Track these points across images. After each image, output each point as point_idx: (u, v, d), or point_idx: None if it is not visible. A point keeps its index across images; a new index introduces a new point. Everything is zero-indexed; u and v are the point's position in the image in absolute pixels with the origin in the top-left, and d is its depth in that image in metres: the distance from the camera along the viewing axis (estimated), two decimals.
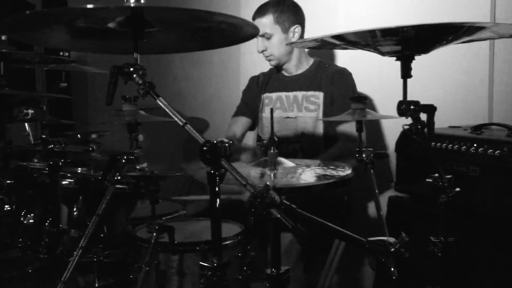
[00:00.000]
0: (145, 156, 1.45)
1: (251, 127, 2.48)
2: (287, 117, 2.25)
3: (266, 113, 2.35)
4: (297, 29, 2.24)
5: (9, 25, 1.14)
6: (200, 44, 1.45)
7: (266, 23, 2.19)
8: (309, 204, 1.03)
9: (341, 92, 2.17)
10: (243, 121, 2.43)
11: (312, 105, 2.22)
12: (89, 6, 0.99)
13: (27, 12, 1.04)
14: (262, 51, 2.24)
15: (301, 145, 2.23)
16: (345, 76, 2.23)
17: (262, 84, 2.41)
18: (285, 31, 2.22)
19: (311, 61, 2.32)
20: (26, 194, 1.75)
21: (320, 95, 2.21)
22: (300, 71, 2.31)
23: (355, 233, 1.06)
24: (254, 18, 2.23)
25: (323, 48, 2.14)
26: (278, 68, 2.33)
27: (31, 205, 1.72)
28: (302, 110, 2.24)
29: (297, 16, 2.25)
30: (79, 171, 1.79)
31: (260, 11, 2.22)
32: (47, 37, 1.28)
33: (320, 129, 2.22)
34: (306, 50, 2.38)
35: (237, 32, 1.27)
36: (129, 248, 1.60)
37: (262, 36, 2.21)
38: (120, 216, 1.70)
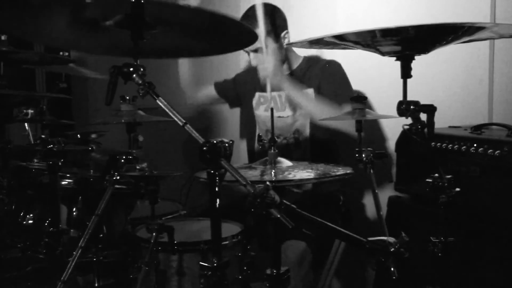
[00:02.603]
0: (145, 156, 1.45)
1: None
2: (280, 116, 2.26)
3: (259, 111, 2.35)
4: (287, 34, 2.23)
5: (8, 18, 1.14)
6: (201, 48, 1.45)
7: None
8: (304, 204, 1.03)
9: (329, 80, 2.16)
10: (210, 91, 2.53)
11: (304, 101, 2.21)
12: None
13: None
14: (257, 65, 2.17)
15: (295, 142, 2.24)
16: (333, 66, 2.23)
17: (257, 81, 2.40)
18: (277, 39, 2.19)
19: (300, 59, 2.32)
20: (26, 194, 1.75)
21: (310, 91, 2.21)
22: (290, 70, 2.31)
23: (355, 233, 1.05)
24: None
25: (323, 48, 2.14)
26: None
27: (31, 205, 1.72)
28: (294, 109, 2.24)
29: (282, 21, 2.23)
30: (78, 171, 1.79)
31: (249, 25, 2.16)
32: (46, 32, 1.27)
33: (307, 126, 2.23)
34: (297, 49, 2.37)
35: (237, 36, 1.27)
36: (129, 248, 1.60)
37: (255, 51, 2.16)
38: (119, 216, 1.70)
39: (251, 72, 2.47)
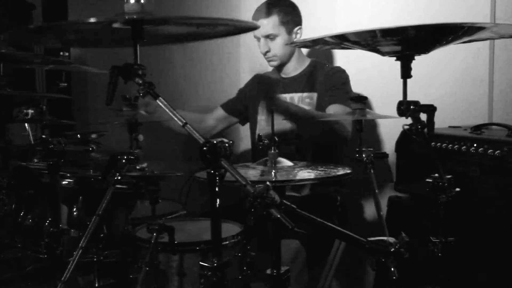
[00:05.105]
0: (145, 156, 1.45)
1: (233, 123, 2.54)
2: (284, 119, 2.26)
3: (265, 116, 2.35)
4: (299, 30, 2.25)
5: (7, 40, 1.15)
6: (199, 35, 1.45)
7: (271, 23, 2.19)
8: (301, 205, 1.03)
9: (330, 86, 2.18)
10: (218, 113, 2.48)
11: (307, 106, 2.22)
12: (92, 19, 1.01)
13: (29, 26, 1.04)
14: (266, 52, 2.23)
15: (296, 146, 2.23)
16: (336, 72, 2.24)
17: (261, 87, 2.41)
18: (289, 32, 2.23)
19: (307, 61, 2.33)
20: (26, 194, 1.75)
21: (314, 95, 2.22)
22: (296, 73, 2.31)
23: (355, 233, 1.06)
24: (256, 18, 2.22)
25: (323, 48, 2.14)
26: (278, 68, 2.33)
27: (31, 205, 1.72)
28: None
29: (298, 17, 2.27)
30: (78, 171, 1.79)
31: (263, 11, 2.21)
32: (45, 42, 1.28)
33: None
34: (304, 50, 2.38)
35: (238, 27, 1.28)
36: (129, 248, 1.60)
37: (266, 37, 2.21)
38: (120, 216, 1.70)
39: (254, 82, 2.48)
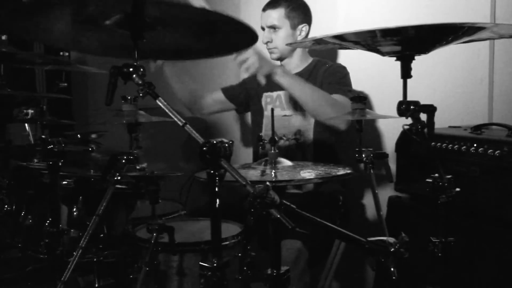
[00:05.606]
0: (145, 156, 1.45)
1: (230, 108, 2.58)
2: (285, 115, 2.27)
3: (268, 112, 2.36)
4: (304, 28, 2.26)
5: (7, 17, 1.13)
6: (201, 48, 1.45)
7: (276, 15, 2.21)
8: (304, 205, 1.03)
9: (329, 80, 2.18)
10: (218, 95, 2.52)
11: None
12: None
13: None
14: (267, 42, 2.25)
15: (296, 143, 2.24)
16: (335, 68, 2.25)
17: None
18: (294, 27, 2.24)
19: (310, 60, 2.34)
20: (26, 194, 1.75)
21: None
22: (298, 70, 2.31)
23: (355, 233, 1.06)
24: (264, 9, 2.26)
25: (323, 48, 2.15)
26: (280, 63, 2.34)
27: (31, 205, 1.72)
28: (298, 109, 2.24)
29: (306, 16, 2.28)
30: (78, 171, 1.79)
31: (272, 3, 2.25)
32: (45, 31, 1.26)
33: (311, 127, 2.24)
34: (307, 50, 2.39)
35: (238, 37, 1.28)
36: (129, 248, 1.60)
37: (270, 27, 2.23)
38: (120, 216, 1.70)
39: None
